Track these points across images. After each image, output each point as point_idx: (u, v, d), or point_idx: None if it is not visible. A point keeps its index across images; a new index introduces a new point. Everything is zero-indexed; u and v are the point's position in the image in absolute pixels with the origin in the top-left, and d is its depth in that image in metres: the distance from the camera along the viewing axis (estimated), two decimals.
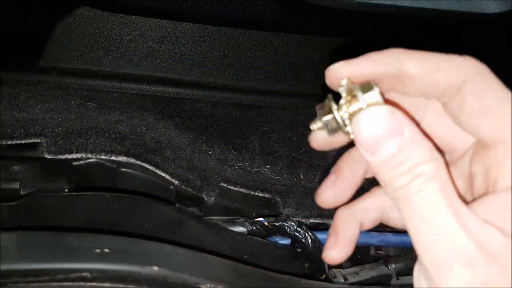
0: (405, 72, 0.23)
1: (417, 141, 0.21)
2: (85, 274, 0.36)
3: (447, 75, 0.23)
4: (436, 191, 0.20)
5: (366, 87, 0.23)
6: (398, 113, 0.22)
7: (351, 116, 0.23)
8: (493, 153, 0.22)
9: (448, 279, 0.19)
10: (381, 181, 0.22)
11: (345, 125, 0.23)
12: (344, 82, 0.24)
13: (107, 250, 0.36)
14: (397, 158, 0.21)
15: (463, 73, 0.23)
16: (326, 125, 0.24)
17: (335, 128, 0.24)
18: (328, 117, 0.24)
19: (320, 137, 0.27)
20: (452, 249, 0.19)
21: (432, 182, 0.20)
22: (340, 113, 0.23)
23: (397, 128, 0.21)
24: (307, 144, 0.62)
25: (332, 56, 0.63)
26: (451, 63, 0.23)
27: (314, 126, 0.26)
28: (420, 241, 0.20)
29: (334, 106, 0.24)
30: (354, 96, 0.23)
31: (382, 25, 0.57)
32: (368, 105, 0.22)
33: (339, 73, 0.24)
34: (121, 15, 0.55)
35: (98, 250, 0.36)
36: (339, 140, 0.27)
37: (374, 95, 0.23)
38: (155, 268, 0.36)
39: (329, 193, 0.29)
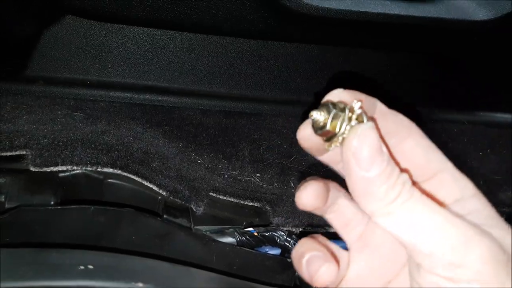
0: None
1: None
2: None
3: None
4: (420, 194, 0.23)
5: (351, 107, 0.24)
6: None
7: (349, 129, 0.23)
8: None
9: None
10: (371, 197, 0.22)
11: (342, 134, 0.24)
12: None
13: (91, 267, 0.35)
14: (387, 171, 0.22)
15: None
16: (323, 125, 0.24)
17: (330, 132, 0.24)
18: (330, 120, 0.24)
19: (311, 137, 0.26)
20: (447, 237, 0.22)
21: (413, 187, 0.23)
22: (342, 123, 0.24)
23: (380, 143, 0.22)
24: (297, 152, 0.63)
25: (321, 64, 0.63)
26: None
27: (317, 116, 0.24)
28: (419, 241, 0.22)
29: (340, 114, 0.24)
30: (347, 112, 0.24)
31: (371, 33, 0.57)
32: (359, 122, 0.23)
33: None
34: (108, 24, 0.55)
35: (82, 267, 0.35)
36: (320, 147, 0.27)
37: (361, 115, 0.24)
38: (140, 284, 0.35)
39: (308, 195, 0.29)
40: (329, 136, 0.24)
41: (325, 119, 0.24)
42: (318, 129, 0.24)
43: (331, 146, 0.24)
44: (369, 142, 0.22)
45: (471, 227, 0.22)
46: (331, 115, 0.24)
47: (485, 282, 0.21)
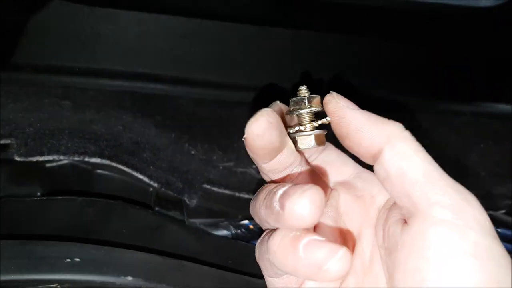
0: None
1: None
2: (54, 285, 0.34)
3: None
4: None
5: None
6: None
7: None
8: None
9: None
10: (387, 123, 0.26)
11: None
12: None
13: (78, 260, 0.34)
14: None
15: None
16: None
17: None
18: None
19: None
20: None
21: None
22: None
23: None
24: None
25: (319, 52, 0.61)
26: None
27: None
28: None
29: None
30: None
31: (372, 19, 0.55)
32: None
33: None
34: (97, 8, 0.52)
35: (68, 260, 0.34)
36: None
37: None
38: (129, 278, 0.34)
39: None
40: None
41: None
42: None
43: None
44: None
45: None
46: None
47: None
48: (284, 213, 0.23)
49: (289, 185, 0.24)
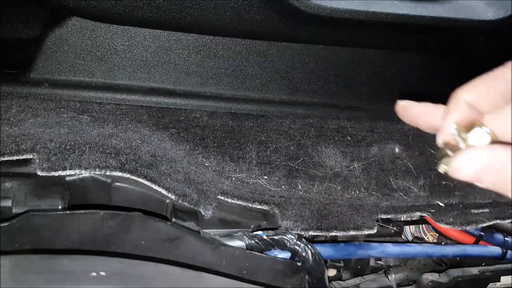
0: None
1: None
2: None
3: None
4: None
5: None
6: None
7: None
8: None
9: None
10: None
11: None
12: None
13: (103, 273, 0.35)
14: None
15: None
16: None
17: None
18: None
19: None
20: None
21: None
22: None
23: None
24: (304, 153, 0.62)
25: (328, 65, 0.63)
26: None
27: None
28: None
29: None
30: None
31: (379, 33, 0.56)
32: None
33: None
34: (114, 25, 0.54)
35: (94, 274, 0.35)
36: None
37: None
38: None
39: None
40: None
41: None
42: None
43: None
44: None
45: None
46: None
47: None
48: None
49: None
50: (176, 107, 0.58)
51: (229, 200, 0.52)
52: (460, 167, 0.25)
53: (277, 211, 0.53)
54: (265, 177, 0.57)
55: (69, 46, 0.55)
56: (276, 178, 0.57)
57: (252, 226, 0.53)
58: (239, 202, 0.53)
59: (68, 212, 0.42)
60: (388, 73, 0.66)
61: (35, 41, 0.56)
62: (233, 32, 0.54)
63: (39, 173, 0.44)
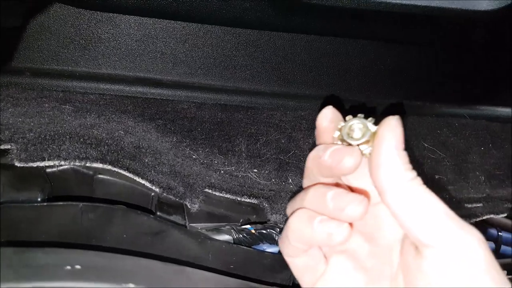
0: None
1: None
2: None
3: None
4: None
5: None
6: None
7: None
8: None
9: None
10: (395, 169, 0.27)
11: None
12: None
13: (78, 267, 0.33)
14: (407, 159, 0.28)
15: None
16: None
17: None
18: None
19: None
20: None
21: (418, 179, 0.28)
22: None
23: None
24: (295, 147, 0.60)
25: (320, 56, 0.61)
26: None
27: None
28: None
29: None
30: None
31: (372, 23, 0.55)
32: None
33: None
34: (98, 12, 0.52)
35: (68, 267, 0.33)
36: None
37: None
38: (131, 285, 0.33)
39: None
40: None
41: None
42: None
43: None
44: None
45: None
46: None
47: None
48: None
49: None
50: (163, 97, 0.56)
51: (217, 194, 0.51)
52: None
53: (266, 205, 0.51)
54: (255, 170, 0.55)
55: (52, 34, 0.53)
56: (266, 172, 0.56)
57: (241, 220, 0.51)
58: (228, 196, 0.51)
59: (45, 204, 0.40)
60: (382, 65, 0.64)
61: (16, 28, 0.54)
62: (222, 20, 0.52)
63: (17, 164, 0.42)
